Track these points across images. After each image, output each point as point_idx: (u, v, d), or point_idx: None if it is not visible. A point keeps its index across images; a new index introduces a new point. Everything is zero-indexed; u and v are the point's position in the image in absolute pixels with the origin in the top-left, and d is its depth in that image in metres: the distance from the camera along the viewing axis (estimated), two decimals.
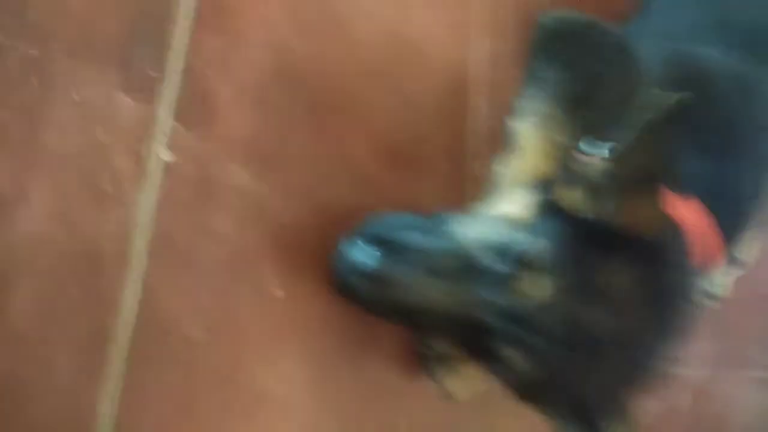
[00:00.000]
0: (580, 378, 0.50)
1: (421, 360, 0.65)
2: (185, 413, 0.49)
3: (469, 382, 0.67)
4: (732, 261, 0.92)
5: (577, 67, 0.64)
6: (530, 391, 0.53)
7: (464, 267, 0.51)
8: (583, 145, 0.56)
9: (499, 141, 0.59)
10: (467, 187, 0.66)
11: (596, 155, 0.53)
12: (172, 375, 0.49)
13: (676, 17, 0.74)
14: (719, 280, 0.99)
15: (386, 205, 0.55)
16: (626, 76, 0.64)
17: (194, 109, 0.49)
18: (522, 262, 0.49)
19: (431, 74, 0.64)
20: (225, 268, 0.51)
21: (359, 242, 0.50)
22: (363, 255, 0.50)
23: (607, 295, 0.48)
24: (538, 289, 0.48)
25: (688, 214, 0.57)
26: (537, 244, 0.50)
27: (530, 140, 0.62)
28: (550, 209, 0.52)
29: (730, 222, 0.63)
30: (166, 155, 0.48)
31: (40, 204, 0.45)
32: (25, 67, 0.44)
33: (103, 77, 0.46)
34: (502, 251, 0.50)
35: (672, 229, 0.54)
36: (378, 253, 0.50)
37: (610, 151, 0.50)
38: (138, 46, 0.47)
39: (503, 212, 0.56)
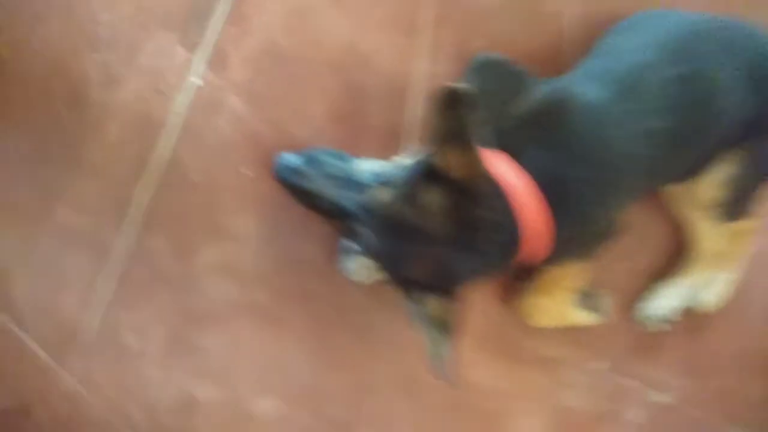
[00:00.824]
0: (401, 255, 0.80)
1: (339, 251, 0.99)
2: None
3: (368, 271, 1.00)
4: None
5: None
6: (379, 263, 0.84)
7: (347, 178, 0.85)
8: None
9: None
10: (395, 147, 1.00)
11: None
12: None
13: (588, 63, 1.01)
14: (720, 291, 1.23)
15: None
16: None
17: (217, 61, 0.88)
18: (381, 180, 0.83)
19: (377, 77, 0.98)
20: (220, 153, 0.89)
21: (293, 155, 0.87)
22: (292, 159, 0.86)
23: (422, 207, 0.78)
24: (383, 195, 0.81)
25: (512, 178, 0.83)
26: (395, 173, 0.82)
27: None
28: (420, 162, 0.82)
29: (567, 213, 0.86)
30: (197, 81, 0.87)
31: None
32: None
33: (168, 35, 0.86)
34: (374, 174, 0.84)
35: (485, 179, 0.80)
36: (300, 161, 0.86)
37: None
38: (191, 21, 0.87)
39: (398, 160, 0.89)
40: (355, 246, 0.98)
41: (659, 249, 1.23)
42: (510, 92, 0.94)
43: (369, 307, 1.03)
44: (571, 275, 1.05)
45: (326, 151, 0.89)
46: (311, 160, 0.87)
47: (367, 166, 0.87)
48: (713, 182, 1.03)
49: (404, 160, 0.88)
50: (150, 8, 0.85)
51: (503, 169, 0.84)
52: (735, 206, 1.08)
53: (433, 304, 0.81)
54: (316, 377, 1.01)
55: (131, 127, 0.86)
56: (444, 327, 0.82)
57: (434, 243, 0.80)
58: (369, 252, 0.83)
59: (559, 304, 1.09)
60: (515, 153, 0.86)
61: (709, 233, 1.14)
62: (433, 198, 0.79)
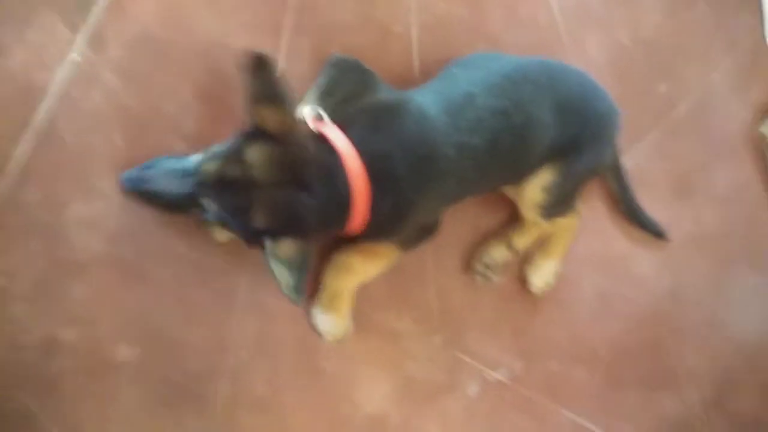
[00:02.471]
0: (239, 209, 0.94)
1: (203, 226, 1.13)
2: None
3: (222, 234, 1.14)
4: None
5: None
6: (229, 228, 0.99)
7: (183, 169, 0.99)
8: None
9: None
10: None
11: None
12: None
13: (430, 84, 1.22)
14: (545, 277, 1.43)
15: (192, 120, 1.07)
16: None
17: (96, 42, 1.04)
18: (208, 156, 0.98)
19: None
20: (94, 121, 1.03)
21: (133, 168, 1.00)
22: (133, 171, 1.00)
23: (247, 162, 0.94)
24: (211, 166, 0.96)
25: (340, 142, 1.00)
26: (219, 148, 0.98)
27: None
28: (240, 131, 0.98)
29: (385, 190, 1.02)
30: (77, 57, 1.02)
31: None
32: None
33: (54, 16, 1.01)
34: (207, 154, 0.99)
35: (301, 129, 0.97)
36: (140, 169, 1.00)
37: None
38: (76, 4, 1.02)
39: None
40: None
41: (495, 230, 1.44)
42: (359, 87, 1.14)
43: (230, 270, 1.18)
44: (385, 252, 1.22)
45: (163, 158, 1.03)
46: (149, 166, 1.01)
47: (199, 156, 1.01)
48: (536, 188, 1.27)
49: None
50: None
51: (334, 134, 1.01)
52: (554, 207, 1.32)
53: (284, 246, 0.93)
54: (175, 331, 1.14)
55: (15, 92, 0.99)
56: (297, 265, 0.93)
57: (267, 189, 0.93)
58: (218, 221, 0.98)
59: (364, 270, 1.24)
60: (348, 128, 1.03)
61: (535, 224, 1.37)
62: (257, 152, 0.94)
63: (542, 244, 1.46)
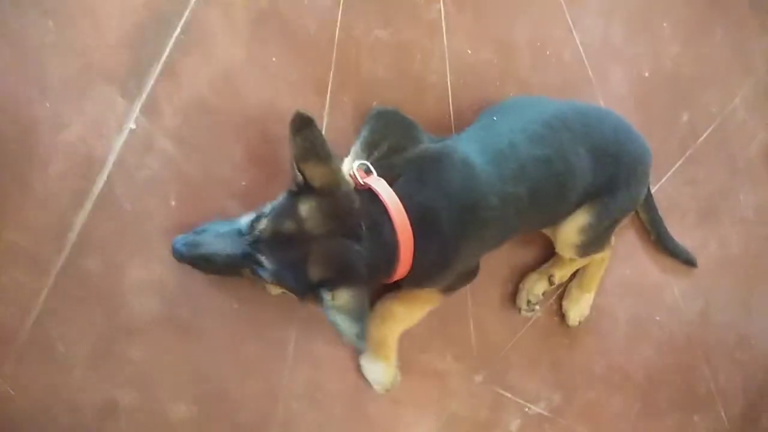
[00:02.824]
0: (295, 263, 0.97)
1: (256, 283, 1.14)
2: None
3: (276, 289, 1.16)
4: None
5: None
6: (285, 284, 1.01)
7: (235, 231, 1.00)
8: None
9: None
10: None
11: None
12: None
13: (472, 131, 1.24)
14: (582, 309, 1.46)
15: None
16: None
17: (151, 110, 1.06)
18: (259, 215, 1.00)
19: None
20: (150, 187, 1.06)
21: (183, 234, 1.01)
22: (184, 237, 1.00)
23: (300, 216, 0.97)
24: (263, 224, 0.98)
25: (386, 193, 1.01)
26: (268, 208, 1.00)
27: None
28: (288, 190, 1.01)
29: (430, 238, 1.04)
30: (133, 126, 1.05)
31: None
32: None
33: (110, 88, 1.04)
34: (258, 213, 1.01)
35: (344, 182, 0.99)
36: (191, 235, 1.01)
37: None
38: (131, 76, 1.05)
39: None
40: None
41: (532, 266, 1.46)
42: (402, 137, 1.16)
43: (281, 322, 1.20)
44: (428, 297, 1.25)
45: (213, 222, 1.05)
46: (200, 231, 1.03)
47: (249, 216, 1.03)
48: (572, 229, 1.30)
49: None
50: (95, 65, 1.02)
51: (380, 187, 1.03)
52: (589, 246, 1.34)
53: (342, 296, 0.95)
54: (229, 385, 1.16)
55: (74, 163, 1.01)
56: (357, 313, 0.95)
57: (321, 240, 0.96)
58: (272, 278, 1.00)
59: (409, 317, 1.26)
60: (394, 181, 1.05)
61: (571, 261, 1.40)
62: (308, 206, 0.97)
63: (577, 277, 1.48)
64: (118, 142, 1.04)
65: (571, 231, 1.30)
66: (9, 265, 0.98)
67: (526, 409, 1.49)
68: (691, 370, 1.71)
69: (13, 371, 0.99)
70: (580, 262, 1.43)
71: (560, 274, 1.44)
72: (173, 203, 1.09)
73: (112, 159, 1.04)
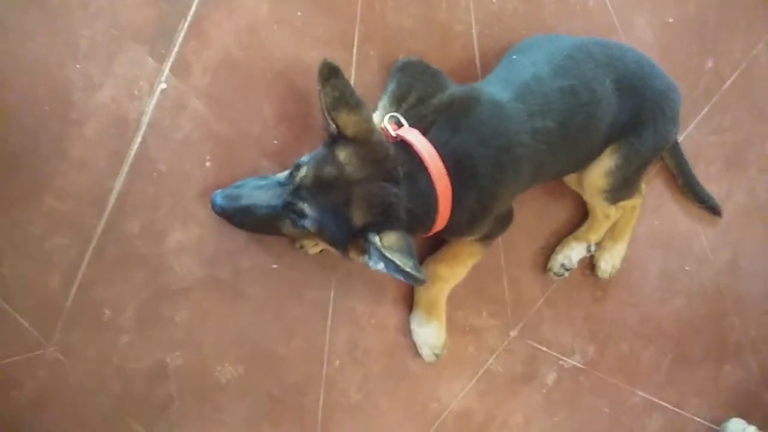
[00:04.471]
0: (337, 208, 0.95)
1: (296, 240, 1.14)
2: None
3: (313, 247, 1.16)
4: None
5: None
6: (328, 234, 1.00)
7: (273, 183, 1.00)
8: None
9: None
10: None
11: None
12: None
13: (495, 73, 1.23)
14: (613, 260, 1.45)
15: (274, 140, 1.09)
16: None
17: (181, 69, 1.04)
18: (296, 165, 0.99)
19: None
20: (184, 147, 1.04)
21: (221, 189, 1.00)
22: (222, 191, 1.00)
23: (339, 162, 0.96)
24: (303, 172, 0.97)
25: (421, 144, 1.00)
26: (306, 158, 0.99)
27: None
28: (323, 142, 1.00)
29: (468, 186, 1.03)
30: (164, 86, 1.03)
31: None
32: None
33: (139, 48, 1.02)
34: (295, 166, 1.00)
35: (379, 135, 0.99)
36: (229, 189, 1.00)
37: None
38: (158, 36, 1.03)
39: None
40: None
41: (562, 222, 1.46)
42: (429, 87, 1.15)
43: (322, 284, 1.19)
44: (469, 251, 1.24)
45: (249, 178, 1.04)
46: (238, 185, 1.02)
47: (286, 171, 1.02)
48: (599, 173, 1.28)
49: None
50: (123, 25, 1.00)
51: (414, 138, 1.02)
52: (618, 191, 1.32)
53: (388, 238, 0.94)
54: (273, 345, 1.16)
55: (108, 125, 1.00)
56: (408, 250, 0.93)
57: (362, 183, 0.95)
58: (314, 228, 0.98)
59: (454, 274, 1.26)
60: (427, 130, 1.04)
61: (600, 210, 1.38)
62: (345, 152, 0.96)
63: (609, 228, 1.47)
64: (150, 103, 1.03)
65: (598, 175, 1.28)
66: (52, 230, 0.97)
67: (561, 362, 1.49)
68: (721, 320, 1.70)
69: (64, 338, 0.99)
70: (614, 217, 1.41)
71: (596, 237, 1.42)
72: (208, 164, 1.07)
73: (145, 120, 1.02)
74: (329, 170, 0.96)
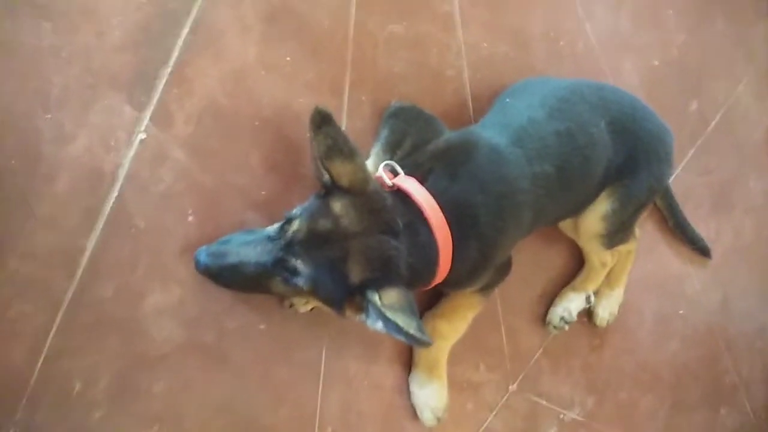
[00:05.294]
0: (333, 264, 0.88)
1: (285, 298, 1.06)
2: None
3: (303, 305, 1.07)
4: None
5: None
6: (323, 291, 0.92)
7: (261, 238, 0.92)
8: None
9: None
10: None
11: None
12: None
13: (490, 117, 1.20)
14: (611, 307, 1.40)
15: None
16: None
17: (162, 118, 0.97)
18: (288, 219, 0.92)
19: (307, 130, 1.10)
20: (164, 201, 0.96)
21: (206, 246, 0.93)
22: (207, 248, 0.92)
23: (334, 214, 0.89)
24: (296, 226, 0.90)
25: (419, 193, 0.94)
26: (298, 210, 0.92)
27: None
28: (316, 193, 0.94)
29: (468, 234, 0.98)
30: (143, 136, 0.95)
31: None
32: None
33: (117, 95, 0.94)
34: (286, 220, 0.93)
35: (374, 184, 0.92)
36: (215, 246, 0.92)
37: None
38: (137, 83, 0.96)
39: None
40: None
41: (558, 269, 1.41)
42: (423, 132, 1.10)
43: (311, 341, 1.11)
44: (469, 303, 1.17)
45: (237, 233, 0.96)
46: (224, 241, 0.94)
47: (275, 225, 0.95)
48: (595, 217, 1.24)
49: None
50: (99, 71, 0.93)
51: (412, 187, 0.96)
52: (615, 235, 1.28)
53: (389, 296, 0.86)
54: (261, 414, 1.06)
55: (81, 179, 0.92)
56: (409, 309, 0.85)
57: (359, 237, 0.88)
58: (310, 286, 0.90)
59: (455, 330, 1.19)
60: (424, 179, 0.98)
61: (596, 256, 1.34)
62: (341, 204, 0.89)
63: (602, 271, 1.43)
64: (129, 155, 0.95)
65: (594, 219, 1.24)
66: (16, 297, 0.87)
67: (561, 416, 1.43)
68: (715, 362, 1.67)
69: (27, 417, 0.88)
70: (610, 264, 1.37)
71: (594, 286, 1.38)
72: (190, 218, 0.99)
73: (122, 173, 0.94)
74: (324, 223, 0.89)
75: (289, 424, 1.08)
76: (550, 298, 1.39)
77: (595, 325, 1.44)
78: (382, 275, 0.89)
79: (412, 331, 0.82)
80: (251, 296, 1.02)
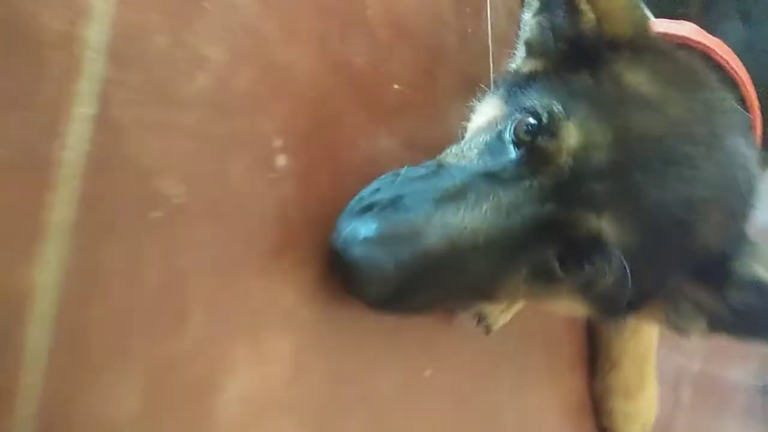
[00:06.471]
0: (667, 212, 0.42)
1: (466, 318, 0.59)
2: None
3: (501, 315, 0.59)
4: None
5: None
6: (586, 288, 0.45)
7: (480, 177, 0.43)
8: None
9: None
10: None
11: None
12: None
13: None
14: None
15: None
16: None
17: None
18: (530, 123, 0.43)
19: None
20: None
21: (352, 217, 0.40)
22: (359, 224, 0.39)
23: (638, 95, 0.44)
24: (573, 140, 0.42)
25: (708, 41, 0.57)
26: (541, 106, 0.44)
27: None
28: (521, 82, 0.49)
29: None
30: None
31: None
32: None
33: None
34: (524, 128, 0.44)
35: (646, 25, 0.51)
36: (373, 215, 0.40)
37: None
38: None
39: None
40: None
41: None
42: None
43: (490, 385, 0.62)
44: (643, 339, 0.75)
45: (383, 180, 0.44)
46: (391, 201, 0.41)
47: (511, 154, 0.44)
48: None
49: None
50: None
51: (706, 38, 0.58)
52: None
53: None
54: None
55: None
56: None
57: (704, 146, 0.44)
58: (621, 270, 0.42)
59: (648, 399, 0.77)
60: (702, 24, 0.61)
61: None
62: (635, 76, 0.45)
63: None
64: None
65: None
66: None
67: None
68: None
69: None
70: None
71: None
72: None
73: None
74: (642, 120, 0.42)
75: None
76: None
77: None
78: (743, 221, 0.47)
79: None
80: (408, 322, 0.52)
